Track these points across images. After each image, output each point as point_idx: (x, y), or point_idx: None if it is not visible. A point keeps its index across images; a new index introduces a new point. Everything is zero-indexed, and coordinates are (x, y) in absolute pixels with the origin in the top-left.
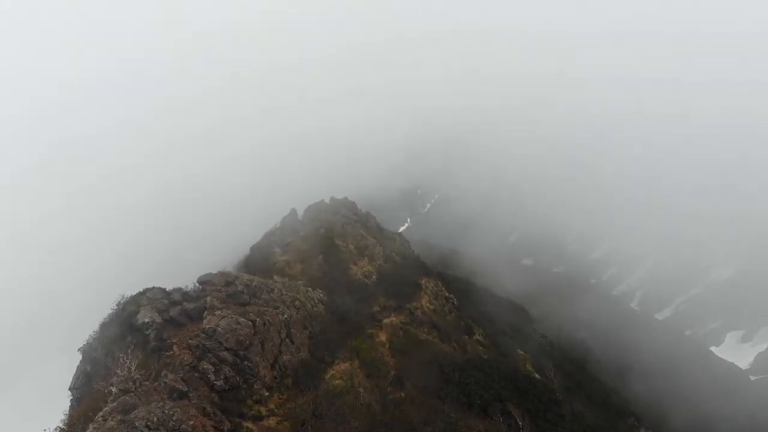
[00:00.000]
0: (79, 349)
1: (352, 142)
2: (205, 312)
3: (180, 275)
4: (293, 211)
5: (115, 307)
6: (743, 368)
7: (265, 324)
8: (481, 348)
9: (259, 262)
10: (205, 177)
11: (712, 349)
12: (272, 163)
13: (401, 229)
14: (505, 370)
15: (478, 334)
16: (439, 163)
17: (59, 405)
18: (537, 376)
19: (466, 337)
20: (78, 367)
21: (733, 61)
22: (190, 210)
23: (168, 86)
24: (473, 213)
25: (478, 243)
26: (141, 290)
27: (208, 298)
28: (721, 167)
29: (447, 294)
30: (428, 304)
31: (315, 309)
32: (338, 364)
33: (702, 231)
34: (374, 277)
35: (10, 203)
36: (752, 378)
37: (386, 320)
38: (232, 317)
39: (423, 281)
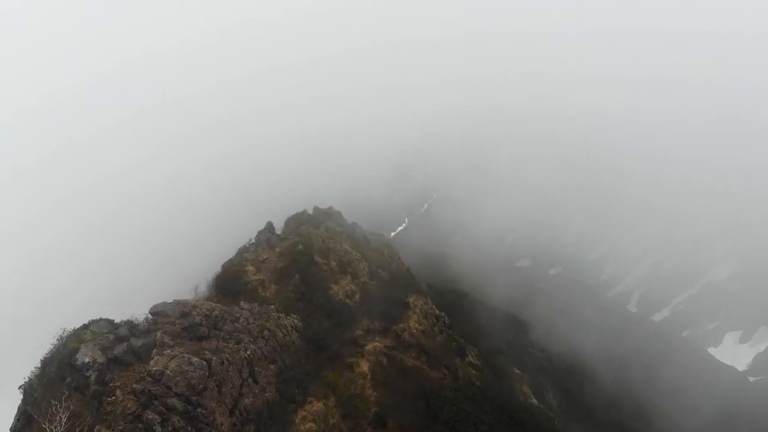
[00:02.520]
0: (19, 387)
1: (352, 141)
2: (154, 350)
3: (176, 280)
4: (269, 225)
5: (56, 342)
6: (742, 369)
7: (223, 363)
8: (473, 372)
9: (230, 282)
10: (199, 177)
11: (711, 349)
12: (271, 163)
13: (399, 228)
14: (500, 398)
15: (471, 355)
16: (438, 163)
17: None
18: (534, 400)
19: (458, 359)
20: (19, 407)
21: (733, 61)
22: (184, 212)
23: (167, 85)
24: (471, 213)
25: (476, 244)
26: (86, 322)
27: (159, 333)
28: (719, 167)
29: (438, 312)
30: (417, 325)
31: (287, 338)
32: (311, 403)
33: (700, 231)
34: (357, 296)
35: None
36: (751, 379)
37: (369, 346)
38: (183, 357)
39: (412, 299)
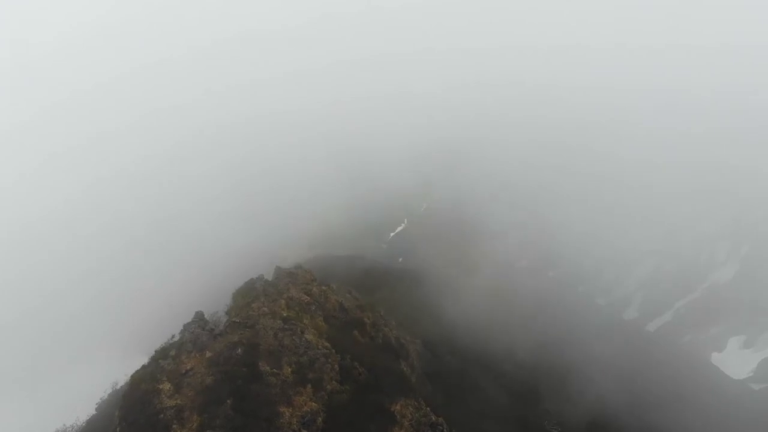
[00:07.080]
0: None
1: (352, 141)
2: None
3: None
4: (199, 316)
5: None
6: (746, 376)
7: None
8: None
9: (137, 409)
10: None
11: (714, 354)
12: (271, 161)
13: (398, 229)
14: None
15: None
16: (438, 162)
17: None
18: None
19: None
20: None
21: (732, 61)
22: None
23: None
24: (470, 213)
25: (475, 245)
26: None
27: None
28: (720, 167)
29: (434, 418)
30: None
31: None
32: None
33: (701, 233)
34: (320, 419)
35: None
36: (755, 387)
37: None
38: None
39: (398, 406)
